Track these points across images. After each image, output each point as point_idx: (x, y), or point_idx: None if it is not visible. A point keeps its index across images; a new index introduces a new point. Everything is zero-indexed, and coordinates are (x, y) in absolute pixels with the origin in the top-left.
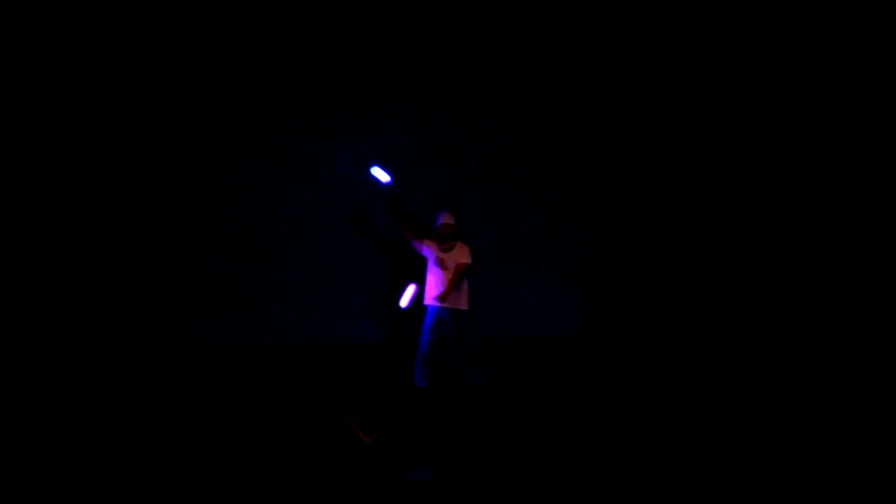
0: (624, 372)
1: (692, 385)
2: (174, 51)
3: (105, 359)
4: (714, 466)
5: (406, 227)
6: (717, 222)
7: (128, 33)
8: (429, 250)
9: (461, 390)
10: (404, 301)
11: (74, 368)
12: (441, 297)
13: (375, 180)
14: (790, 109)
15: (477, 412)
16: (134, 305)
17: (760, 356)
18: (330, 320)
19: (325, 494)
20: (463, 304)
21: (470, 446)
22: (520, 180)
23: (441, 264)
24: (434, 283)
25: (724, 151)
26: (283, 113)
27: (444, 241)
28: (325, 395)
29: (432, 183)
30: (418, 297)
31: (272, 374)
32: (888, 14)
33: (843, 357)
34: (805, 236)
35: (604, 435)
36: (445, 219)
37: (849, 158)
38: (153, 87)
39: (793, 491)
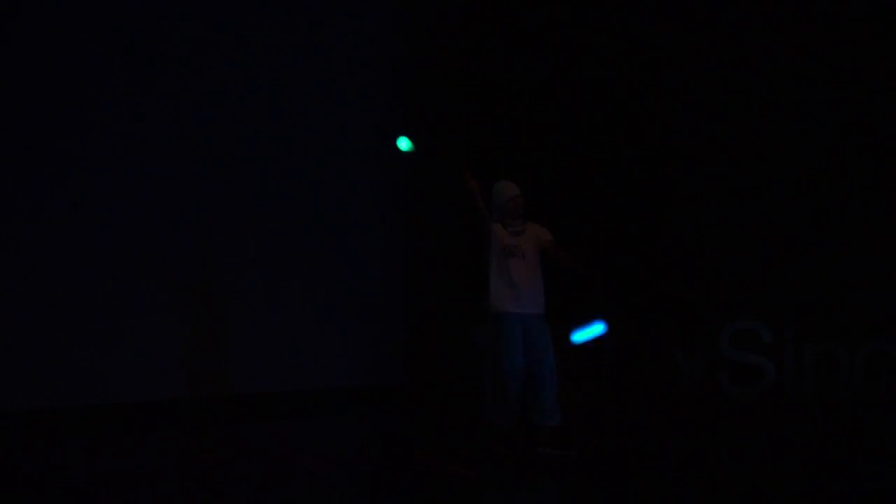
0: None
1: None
2: None
3: None
4: None
5: (480, 201)
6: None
7: None
8: (494, 238)
9: (531, 431)
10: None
11: None
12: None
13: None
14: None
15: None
16: None
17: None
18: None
19: None
20: (542, 305)
21: None
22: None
23: (515, 252)
24: (508, 281)
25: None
26: None
27: (514, 222)
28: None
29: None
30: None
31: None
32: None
33: None
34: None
35: None
36: (514, 190)
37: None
38: None
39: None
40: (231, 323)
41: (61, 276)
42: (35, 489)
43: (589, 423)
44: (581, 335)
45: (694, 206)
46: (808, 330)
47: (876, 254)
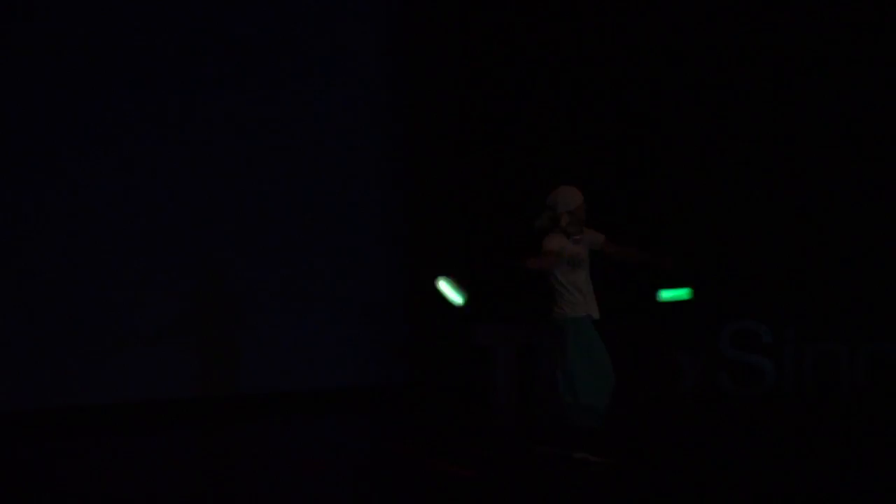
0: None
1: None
2: None
3: None
4: None
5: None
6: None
7: None
8: (560, 251)
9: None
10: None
11: None
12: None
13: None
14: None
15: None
16: None
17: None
18: None
19: None
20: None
21: None
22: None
23: (580, 264)
24: (577, 291)
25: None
26: None
27: (578, 229)
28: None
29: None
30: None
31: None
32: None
33: None
34: None
35: None
36: (581, 196)
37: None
38: None
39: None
40: (231, 323)
41: (67, 276)
42: (39, 489)
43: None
44: (669, 294)
45: (694, 205)
46: (808, 330)
47: (876, 254)
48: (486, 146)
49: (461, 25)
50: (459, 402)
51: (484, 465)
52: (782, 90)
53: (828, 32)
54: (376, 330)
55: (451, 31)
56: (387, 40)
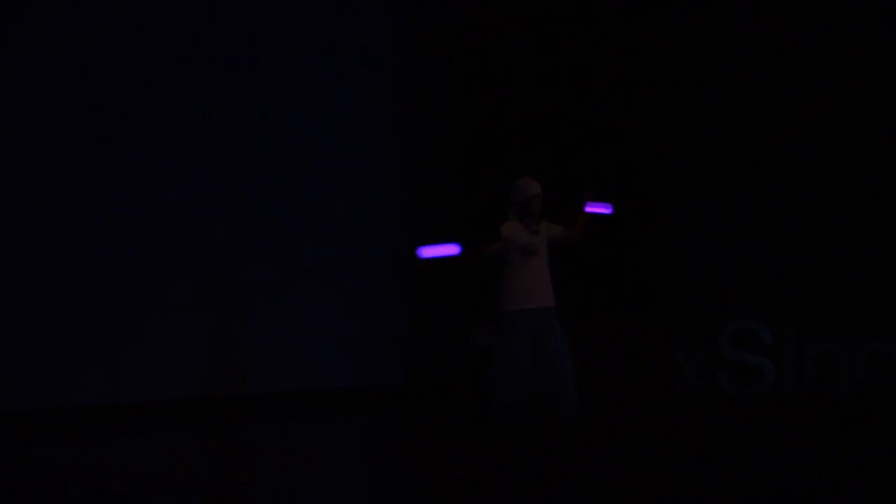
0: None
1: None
2: None
3: None
4: None
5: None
6: None
7: None
8: (511, 238)
9: (547, 425)
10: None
11: None
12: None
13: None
14: None
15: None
16: None
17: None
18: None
19: None
20: (553, 299)
21: None
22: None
23: (533, 251)
24: (522, 280)
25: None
26: None
27: (532, 220)
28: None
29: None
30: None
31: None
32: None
33: None
34: None
35: None
36: (537, 188)
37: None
38: None
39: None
40: (232, 324)
41: (69, 277)
42: (39, 488)
43: (589, 422)
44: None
45: (694, 205)
46: (808, 330)
47: (876, 254)
48: (487, 146)
49: (463, 24)
50: (459, 401)
51: (484, 465)
52: (783, 90)
53: (825, 31)
54: (375, 330)
55: (454, 29)
56: (390, 37)
